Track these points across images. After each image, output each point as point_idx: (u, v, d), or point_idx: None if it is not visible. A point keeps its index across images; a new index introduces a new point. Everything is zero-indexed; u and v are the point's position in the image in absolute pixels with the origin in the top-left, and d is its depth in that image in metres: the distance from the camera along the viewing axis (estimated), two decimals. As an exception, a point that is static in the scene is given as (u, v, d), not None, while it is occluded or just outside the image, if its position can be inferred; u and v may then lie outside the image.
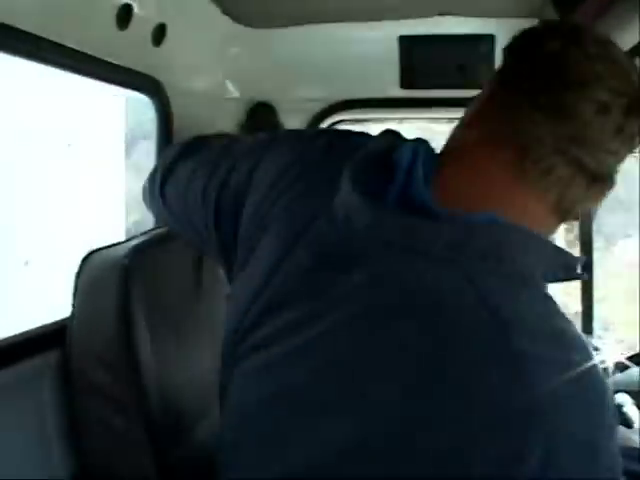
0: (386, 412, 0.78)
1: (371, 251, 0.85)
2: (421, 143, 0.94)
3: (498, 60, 1.92)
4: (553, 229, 0.94)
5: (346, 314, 0.84)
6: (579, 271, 0.91)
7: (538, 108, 0.86)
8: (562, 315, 0.84)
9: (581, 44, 0.88)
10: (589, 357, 0.80)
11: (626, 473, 1.08)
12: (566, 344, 0.80)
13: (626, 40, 1.38)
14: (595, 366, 0.80)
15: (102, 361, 1.18)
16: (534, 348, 0.76)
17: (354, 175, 0.90)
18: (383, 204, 0.87)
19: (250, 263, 0.99)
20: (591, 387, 0.79)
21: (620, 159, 0.91)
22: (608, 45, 0.90)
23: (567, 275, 0.91)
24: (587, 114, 0.85)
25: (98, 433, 1.21)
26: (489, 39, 1.90)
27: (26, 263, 2.97)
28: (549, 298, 0.86)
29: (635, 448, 1.22)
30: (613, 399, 0.82)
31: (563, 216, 0.91)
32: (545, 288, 0.88)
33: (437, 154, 0.95)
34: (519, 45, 0.94)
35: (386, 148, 0.94)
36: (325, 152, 1.02)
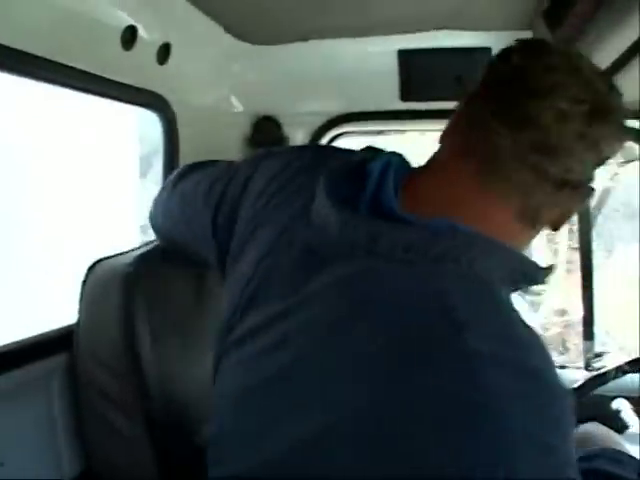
0: (343, 411, 0.79)
1: (340, 253, 0.89)
2: (395, 155, 0.99)
3: (495, 72, 1.97)
4: (524, 237, 0.97)
5: (313, 313, 0.89)
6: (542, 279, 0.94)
7: (500, 118, 0.90)
8: (520, 319, 0.85)
9: (542, 56, 0.92)
10: (547, 361, 0.82)
11: (599, 473, 1.11)
12: (522, 346, 0.81)
13: (608, 52, 1.43)
14: (553, 370, 0.81)
15: (107, 365, 1.23)
16: (489, 348, 0.77)
17: (328, 182, 0.95)
18: (354, 210, 0.92)
19: (240, 261, 1.04)
20: (546, 389, 0.79)
21: (590, 165, 0.94)
22: (571, 56, 0.93)
23: (529, 283, 0.95)
24: (547, 121, 0.88)
25: (103, 433, 1.26)
26: (486, 51, 1.94)
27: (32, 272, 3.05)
28: (507, 301, 0.89)
29: (615, 450, 1.23)
30: (573, 408, 0.83)
31: (532, 223, 0.95)
32: (504, 292, 0.90)
33: (410, 166, 1.00)
34: (489, 62, 0.99)
35: (362, 160, 0.99)
36: (310, 160, 1.08)
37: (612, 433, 1.45)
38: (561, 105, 0.88)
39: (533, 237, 1.00)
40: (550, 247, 7.59)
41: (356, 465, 0.76)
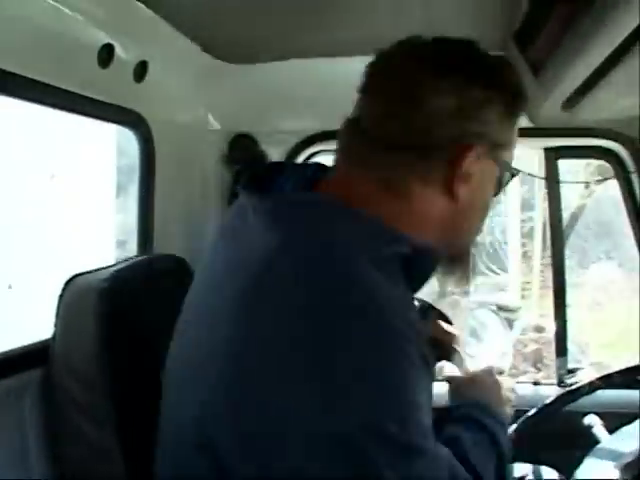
0: (223, 387, 0.91)
1: (238, 226, 1.06)
2: (313, 163, 1.21)
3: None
4: (389, 206, 1.04)
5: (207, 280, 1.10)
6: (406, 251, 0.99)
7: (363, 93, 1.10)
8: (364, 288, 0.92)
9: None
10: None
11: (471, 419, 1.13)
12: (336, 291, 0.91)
13: (579, 73, 1.46)
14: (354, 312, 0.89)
15: (81, 377, 1.24)
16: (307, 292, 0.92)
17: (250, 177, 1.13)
18: (260, 195, 1.06)
19: None
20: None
21: (440, 128, 1.03)
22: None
23: (416, 266, 1.01)
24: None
25: (75, 445, 1.27)
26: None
27: (9, 287, 3.05)
28: (358, 272, 0.93)
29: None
30: None
31: (403, 192, 1.04)
32: (376, 265, 0.93)
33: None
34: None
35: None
36: None
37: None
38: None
39: (427, 208, 1.06)
40: (527, 264, 7.67)
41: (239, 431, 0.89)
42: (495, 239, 7.60)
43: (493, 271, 7.57)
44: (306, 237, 0.95)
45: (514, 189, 7.42)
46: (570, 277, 2.37)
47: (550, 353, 5.83)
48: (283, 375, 0.87)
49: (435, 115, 1.03)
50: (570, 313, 2.30)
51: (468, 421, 1.13)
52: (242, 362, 0.90)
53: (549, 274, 2.84)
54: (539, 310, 6.72)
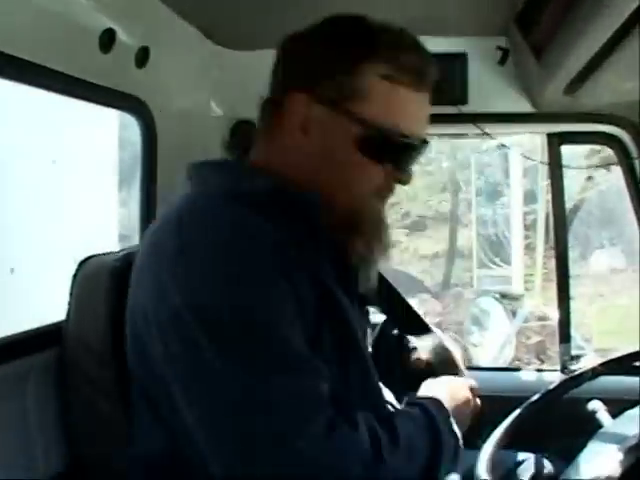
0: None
1: None
2: None
3: (471, 76, 2.01)
4: (266, 150, 1.22)
5: None
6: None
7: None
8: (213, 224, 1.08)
9: None
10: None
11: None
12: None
13: (581, 55, 1.46)
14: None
15: (93, 352, 1.28)
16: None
17: None
18: None
19: None
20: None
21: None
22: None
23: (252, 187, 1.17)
24: None
25: (87, 418, 1.31)
26: (462, 57, 1.98)
27: (12, 271, 3.06)
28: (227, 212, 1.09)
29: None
30: None
31: (267, 138, 1.22)
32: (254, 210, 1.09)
33: None
34: None
35: None
36: None
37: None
38: None
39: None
40: (530, 256, 7.67)
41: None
42: (498, 231, 7.60)
43: (496, 264, 7.57)
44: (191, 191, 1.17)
45: (517, 182, 7.43)
46: (573, 268, 2.35)
47: (554, 345, 5.84)
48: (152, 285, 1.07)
49: (289, 65, 1.21)
50: (573, 305, 2.29)
51: (415, 405, 1.20)
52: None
53: (552, 266, 2.83)
54: (542, 301, 6.72)
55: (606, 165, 2.47)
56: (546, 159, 2.18)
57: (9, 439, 1.30)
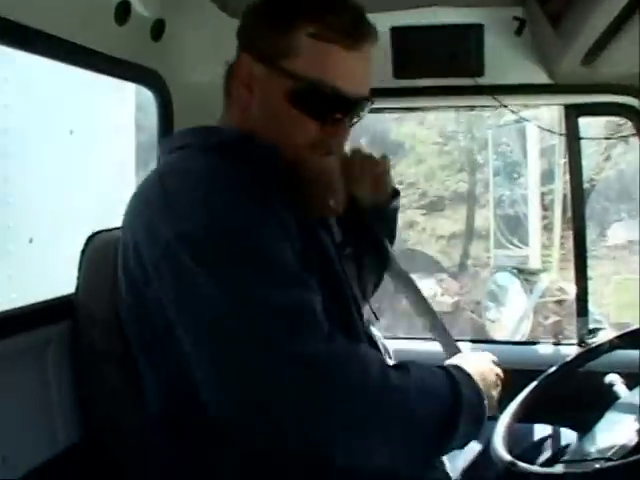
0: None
1: None
2: None
3: (487, 47, 1.99)
4: (227, 110, 1.33)
5: None
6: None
7: None
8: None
9: None
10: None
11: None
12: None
13: (598, 22, 1.45)
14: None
15: (102, 325, 1.30)
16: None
17: None
18: None
19: None
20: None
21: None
22: None
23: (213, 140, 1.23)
24: None
25: (96, 388, 1.34)
26: (478, 28, 1.96)
27: (30, 241, 3.07)
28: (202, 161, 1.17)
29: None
30: None
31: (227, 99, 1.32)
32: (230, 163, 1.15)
33: None
34: None
35: None
36: None
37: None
38: None
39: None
40: (548, 236, 7.62)
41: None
42: (516, 212, 7.56)
43: (514, 244, 7.53)
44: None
45: (534, 161, 7.37)
46: (590, 249, 2.33)
47: (571, 325, 5.82)
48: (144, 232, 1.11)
49: (240, 30, 1.29)
50: (591, 282, 2.28)
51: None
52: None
53: (569, 247, 2.82)
54: (559, 277, 6.67)
55: (623, 137, 2.44)
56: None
57: (31, 409, 1.33)
